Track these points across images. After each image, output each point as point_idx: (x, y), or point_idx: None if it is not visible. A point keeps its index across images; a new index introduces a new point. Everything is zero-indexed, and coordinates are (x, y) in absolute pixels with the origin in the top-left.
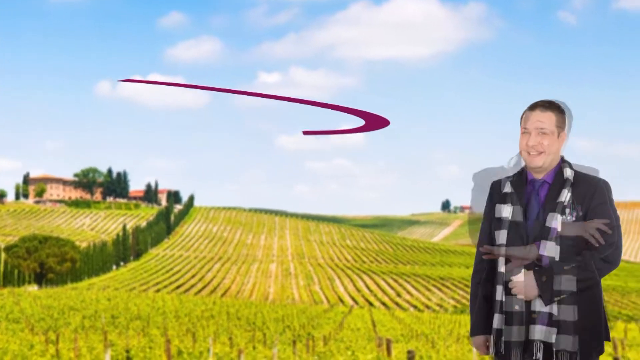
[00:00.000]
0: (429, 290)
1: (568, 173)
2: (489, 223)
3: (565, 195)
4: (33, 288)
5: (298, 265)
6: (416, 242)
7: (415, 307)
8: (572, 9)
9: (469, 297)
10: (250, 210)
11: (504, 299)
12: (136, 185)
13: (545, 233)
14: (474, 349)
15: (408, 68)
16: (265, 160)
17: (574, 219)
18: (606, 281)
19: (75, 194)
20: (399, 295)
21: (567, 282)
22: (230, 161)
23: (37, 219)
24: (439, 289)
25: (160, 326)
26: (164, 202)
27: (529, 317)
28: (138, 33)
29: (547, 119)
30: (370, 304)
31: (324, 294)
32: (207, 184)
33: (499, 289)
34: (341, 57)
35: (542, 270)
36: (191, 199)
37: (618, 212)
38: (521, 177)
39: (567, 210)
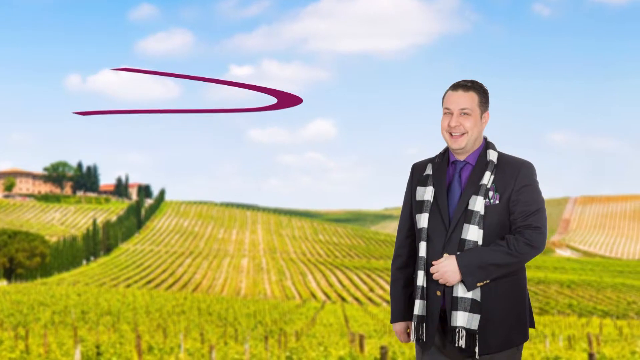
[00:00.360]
0: None
1: (491, 155)
2: (409, 207)
3: (488, 178)
4: (2, 283)
5: (270, 260)
6: (389, 237)
7: (388, 302)
8: (546, 2)
9: None
10: (221, 204)
11: (425, 285)
12: (106, 180)
13: (467, 216)
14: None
15: (381, 61)
16: (237, 154)
17: (497, 202)
18: (581, 276)
19: (45, 188)
20: (371, 290)
21: None
22: (201, 155)
23: (6, 214)
24: None
25: (130, 322)
26: (134, 197)
27: (450, 303)
28: (109, 25)
29: (470, 99)
30: (343, 299)
31: (296, 289)
32: (178, 178)
33: (421, 274)
34: (314, 50)
35: (464, 255)
36: (162, 193)
37: (593, 206)
38: (443, 159)
39: (490, 194)
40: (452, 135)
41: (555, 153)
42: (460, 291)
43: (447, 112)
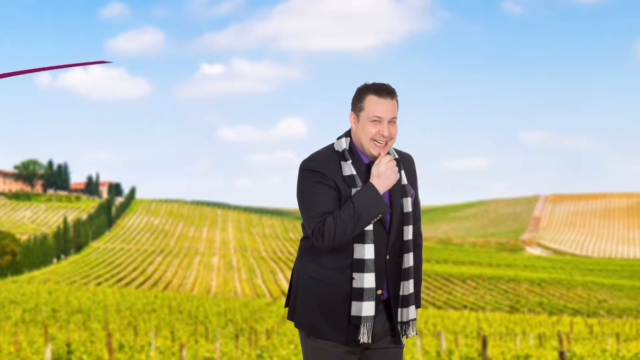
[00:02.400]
0: None
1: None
2: (333, 205)
3: (404, 177)
4: None
5: (240, 259)
6: None
7: None
8: (517, 0)
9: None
10: (192, 202)
11: (374, 286)
12: (77, 178)
13: (406, 219)
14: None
15: (352, 59)
16: (208, 152)
17: (412, 199)
18: (551, 274)
19: (16, 186)
20: None
21: (410, 259)
22: (172, 153)
23: None
24: None
25: (101, 320)
26: (105, 195)
27: (400, 301)
28: (80, 23)
29: (395, 107)
30: None
31: (267, 287)
32: (149, 177)
33: (370, 277)
34: (285, 49)
35: (396, 253)
36: (132, 191)
37: (564, 204)
38: (355, 159)
39: (409, 191)
40: (377, 143)
41: (526, 151)
42: (410, 289)
43: (377, 120)
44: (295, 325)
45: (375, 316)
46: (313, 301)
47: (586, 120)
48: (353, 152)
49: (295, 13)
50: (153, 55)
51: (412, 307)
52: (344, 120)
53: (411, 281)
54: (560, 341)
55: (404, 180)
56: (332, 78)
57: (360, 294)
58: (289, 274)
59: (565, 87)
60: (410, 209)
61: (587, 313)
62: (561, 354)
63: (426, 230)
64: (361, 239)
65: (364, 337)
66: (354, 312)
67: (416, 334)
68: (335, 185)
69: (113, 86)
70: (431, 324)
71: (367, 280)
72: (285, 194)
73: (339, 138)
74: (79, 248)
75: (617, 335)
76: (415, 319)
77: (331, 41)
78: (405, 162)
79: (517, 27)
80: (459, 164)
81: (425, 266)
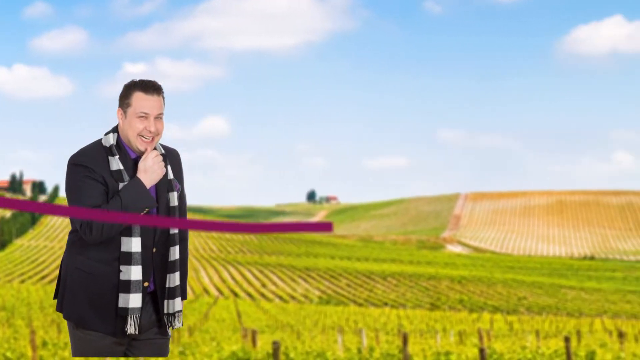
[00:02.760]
0: (294, 281)
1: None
2: (101, 199)
3: (170, 172)
4: None
5: None
6: (282, 234)
7: (280, 297)
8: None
9: (335, 288)
10: None
11: (141, 278)
12: (0, 176)
13: (172, 213)
14: (340, 340)
15: (274, 58)
16: None
17: (179, 193)
18: (471, 272)
19: None
20: (264, 286)
21: (176, 252)
22: None
23: None
24: (305, 280)
25: (25, 317)
26: (28, 193)
27: (166, 293)
28: (2, 23)
29: (161, 104)
30: (236, 294)
31: (189, 284)
32: None
33: (137, 269)
34: (207, 48)
35: (162, 246)
36: (56, 189)
37: (484, 202)
38: (122, 153)
39: (175, 185)
40: (144, 138)
41: (446, 150)
42: (176, 281)
43: (144, 116)
44: (64, 317)
45: (142, 308)
46: (81, 293)
47: (505, 119)
48: (120, 147)
49: (218, 12)
50: (76, 54)
51: (178, 299)
52: (266, 117)
53: (177, 274)
54: (481, 338)
55: (170, 175)
56: (255, 77)
57: (127, 286)
58: (211, 272)
59: (485, 86)
60: (176, 203)
61: (507, 310)
62: (481, 350)
63: (347, 228)
64: (128, 232)
65: (131, 329)
66: (121, 304)
67: (182, 325)
68: (103, 180)
69: (37, 86)
70: (352, 321)
71: (134, 272)
72: (208, 193)
73: (106, 134)
74: (2, 245)
75: (537, 332)
76: (181, 311)
77: (254, 40)
78: (171, 157)
79: (437, 27)
80: (380, 162)
81: (346, 264)
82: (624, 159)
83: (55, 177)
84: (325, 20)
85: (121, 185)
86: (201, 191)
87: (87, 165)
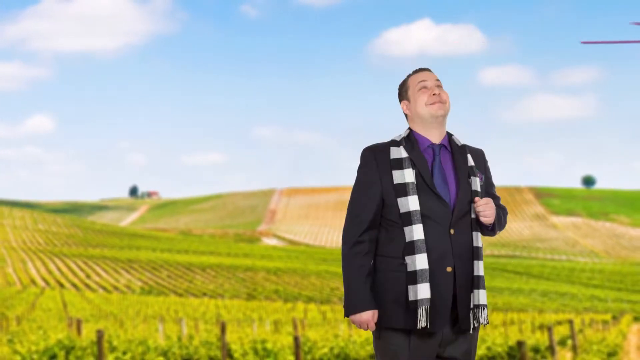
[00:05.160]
0: (117, 272)
1: (458, 141)
2: (376, 192)
3: (472, 161)
4: None
5: None
6: (105, 227)
7: (104, 288)
8: (253, 3)
9: (156, 279)
10: None
11: (428, 267)
12: None
13: (473, 197)
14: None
15: (97, 59)
16: None
17: (482, 183)
18: (286, 263)
19: None
20: (88, 277)
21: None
22: None
23: None
24: (127, 271)
25: None
26: None
27: (471, 282)
28: None
29: (435, 77)
30: (62, 285)
31: (17, 276)
32: None
33: (422, 257)
34: (34, 49)
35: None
36: None
37: (298, 197)
38: (412, 143)
39: (478, 174)
40: (434, 103)
41: (261, 146)
42: (481, 269)
43: (423, 87)
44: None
45: (443, 300)
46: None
47: (319, 117)
48: (409, 136)
49: (44, 15)
50: None
51: (484, 291)
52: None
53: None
54: (295, 327)
55: (472, 163)
56: (80, 77)
57: (416, 276)
58: (38, 264)
59: (300, 85)
60: (478, 188)
61: (321, 300)
62: (296, 338)
63: (167, 222)
64: (407, 219)
65: (416, 321)
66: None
67: (486, 322)
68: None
69: None
70: (173, 310)
71: (419, 261)
72: (34, 188)
73: None
74: None
75: (349, 322)
76: (485, 305)
77: (78, 42)
78: (473, 151)
79: (252, 29)
80: (198, 158)
81: (166, 256)
82: None
83: None
84: (146, 23)
85: (399, 172)
86: (27, 186)
87: (374, 155)
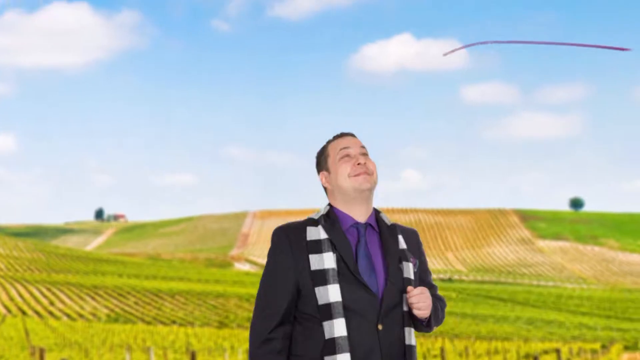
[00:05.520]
0: (82, 299)
1: (387, 219)
2: (290, 281)
3: (404, 243)
4: None
5: None
6: (69, 251)
7: (68, 316)
8: (225, 17)
9: (123, 306)
10: None
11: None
12: None
13: (405, 285)
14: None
15: (63, 75)
16: None
17: (416, 269)
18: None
19: None
20: (52, 304)
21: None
22: None
23: None
24: (92, 298)
25: None
26: None
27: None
28: None
29: (360, 144)
30: (24, 312)
31: None
32: None
33: (343, 358)
34: None
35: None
36: None
37: (272, 220)
38: (331, 223)
39: (411, 259)
40: (359, 175)
41: (232, 167)
42: (409, 338)
43: (346, 156)
44: None
45: None
46: None
47: (293, 137)
48: (327, 214)
49: (7, 29)
50: None
51: None
52: (55, 135)
53: None
54: None
55: (404, 245)
56: (44, 94)
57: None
58: None
59: (273, 103)
60: (411, 276)
61: None
62: None
63: (135, 246)
64: (328, 312)
65: None
66: None
67: None
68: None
69: None
70: (141, 339)
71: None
72: None
73: None
74: None
75: None
76: None
77: (43, 57)
78: (405, 232)
79: (224, 44)
80: (167, 179)
81: (134, 282)
82: (412, 176)
83: None
84: (114, 38)
85: (317, 257)
86: None
87: (288, 237)
